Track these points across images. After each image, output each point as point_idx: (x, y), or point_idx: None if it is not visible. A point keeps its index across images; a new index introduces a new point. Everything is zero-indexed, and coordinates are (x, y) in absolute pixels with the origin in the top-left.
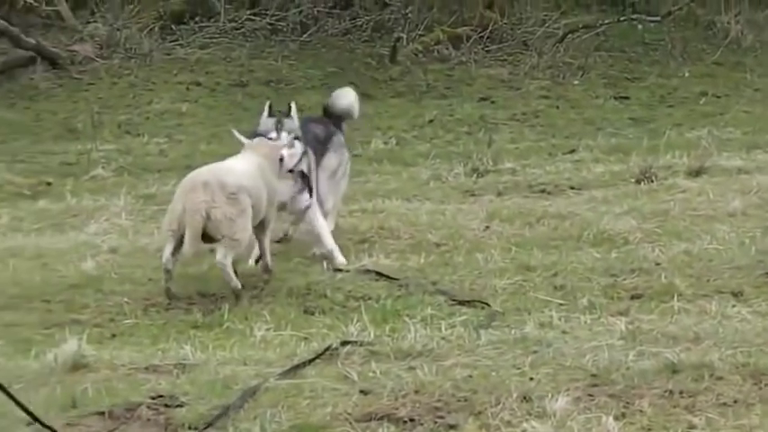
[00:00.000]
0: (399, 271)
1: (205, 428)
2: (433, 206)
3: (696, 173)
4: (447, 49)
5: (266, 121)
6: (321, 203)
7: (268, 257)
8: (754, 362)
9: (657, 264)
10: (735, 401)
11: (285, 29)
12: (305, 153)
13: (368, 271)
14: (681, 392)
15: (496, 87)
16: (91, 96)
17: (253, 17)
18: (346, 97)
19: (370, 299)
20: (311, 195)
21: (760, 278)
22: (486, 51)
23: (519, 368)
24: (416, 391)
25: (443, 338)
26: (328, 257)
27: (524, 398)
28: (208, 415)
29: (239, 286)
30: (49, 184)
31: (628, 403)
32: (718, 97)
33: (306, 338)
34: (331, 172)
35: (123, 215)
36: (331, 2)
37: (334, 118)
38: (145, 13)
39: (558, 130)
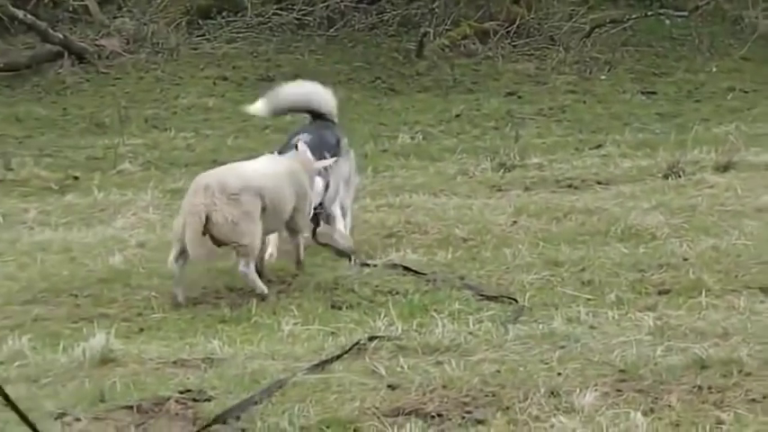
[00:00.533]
0: (427, 266)
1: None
2: (461, 201)
3: (724, 168)
4: (474, 43)
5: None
6: (344, 210)
7: (302, 255)
8: None
9: (685, 259)
10: (764, 397)
11: (312, 23)
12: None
13: (395, 266)
14: (709, 388)
15: (523, 82)
16: (118, 91)
17: (279, 12)
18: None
19: (397, 293)
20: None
21: None
22: (513, 46)
23: (547, 363)
24: (444, 386)
25: (471, 333)
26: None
27: (552, 393)
28: (237, 409)
29: (265, 291)
30: (76, 178)
31: (656, 399)
32: (746, 92)
33: (333, 333)
34: (345, 178)
35: (150, 209)
36: None
37: (327, 118)
38: (172, 7)
39: (584, 125)
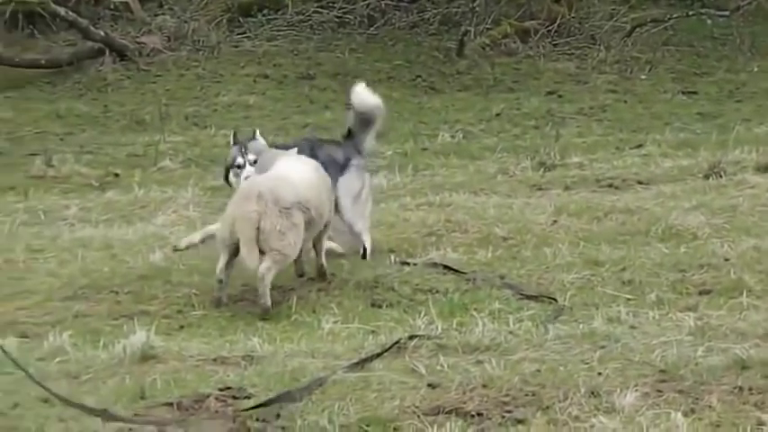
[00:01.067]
0: (467, 265)
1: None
2: (501, 200)
3: (765, 168)
4: (514, 42)
5: (232, 150)
6: (350, 227)
7: (324, 262)
8: None
9: (726, 259)
10: None
11: (352, 21)
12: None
13: (435, 264)
14: (750, 389)
15: (564, 81)
16: (159, 88)
17: (320, 9)
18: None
19: (437, 292)
20: None
21: None
22: (554, 45)
23: (587, 363)
24: (484, 386)
25: (511, 333)
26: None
27: (592, 393)
28: (276, 407)
29: (269, 304)
30: (116, 175)
31: (696, 399)
32: None
33: (373, 332)
34: (354, 195)
35: (191, 207)
36: None
37: (356, 132)
38: (213, 5)
39: (625, 124)
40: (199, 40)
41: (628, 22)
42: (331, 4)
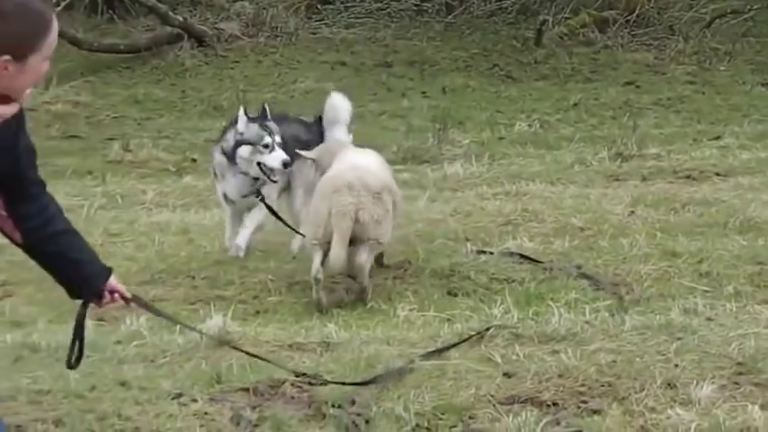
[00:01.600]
0: (543, 254)
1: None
2: (578, 190)
3: None
4: (593, 32)
5: (250, 127)
6: (296, 214)
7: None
8: None
9: None
10: None
11: (430, 10)
12: None
13: (512, 254)
14: None
15: (642, 72)
16: (236, 74)
17: None
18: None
19: (513, 282)
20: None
21: None
22: (632, 35)
23: (663, 354)
24: (560, 375)
25: (587, 323)
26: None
27: (669, 384)
28: (352, 393)
29: (369, 290)
30: (194, 160)
31: None
32: None
33: (449, 320)
34: (306, 187)
35: None
36: None
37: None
38: None
39: (703, 115)
40: (277, 27)
41: (707, 13)
42: None
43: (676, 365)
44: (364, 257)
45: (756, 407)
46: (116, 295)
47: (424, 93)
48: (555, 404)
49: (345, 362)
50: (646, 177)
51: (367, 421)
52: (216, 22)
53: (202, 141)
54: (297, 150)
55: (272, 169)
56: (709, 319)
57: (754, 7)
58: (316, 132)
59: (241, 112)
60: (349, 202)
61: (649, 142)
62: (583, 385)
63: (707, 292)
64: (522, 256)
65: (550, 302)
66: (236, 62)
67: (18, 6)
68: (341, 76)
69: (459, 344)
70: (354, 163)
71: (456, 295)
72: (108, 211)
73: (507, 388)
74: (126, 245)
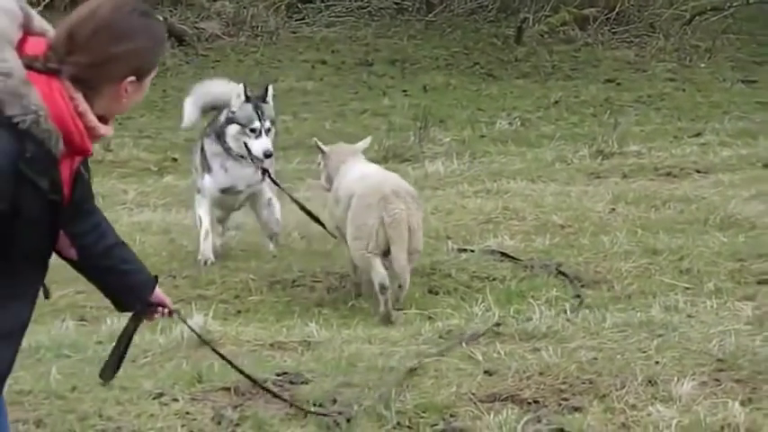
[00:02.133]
0: (524, 252)
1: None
2: (558, 188)
3: None
4: (573, 30)
5: (244, 107)
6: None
7: None
8: None
9: None
10: None
11: (411, 8)
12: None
13: (493, 251)
14: None
15: (622, 69)
16: (217, 74)
17: None
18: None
19: (494, 279)
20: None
21: None
22: (613, 33)
23: (644, 352)
24: (541, 373)
25: (568, 320)
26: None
27: (650, 381)
28: (333, 392)
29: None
30: (175, 160)
31: (754, 389)
32: None
33: (430, 318)
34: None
35: None
36: None
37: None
38: None
39: (683, 113)
40: (257, 26)
41: (687, 11)
42: None
43: (657, 362)
44: (406, 266)
45: (737, 403)
46: (165, 311)
47: (404, 91)
48: (536, 402)
49: (326, 361)
50: (626, 175)
51: (348, 420)
52: (196, 22)
53: (183, 141)
54: (314, 139)
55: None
56: (689, 315)
57: (734, 4)
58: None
59: (240, 88)
60: (401, 208)
61: (630, 140)
62: (564, 383)
63: (687, 288)
64: (502, 254)
65: (531, 300)
66: (217, 61)
67: (144, 24)
68: (322, 74)
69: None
70: (381, 171)
71: (437, 293)
72: None
73: (488, 386)
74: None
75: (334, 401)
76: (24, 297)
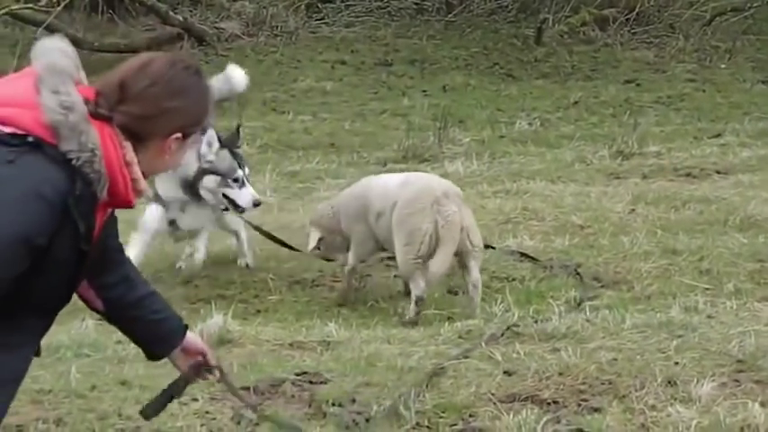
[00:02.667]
0: (543, 252)
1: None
2: (578, 188)
3: None
4: (593, 30)
5: (222, 156)
6: None
7: None
8: None
9: None
10: None
11: (431, 8)
12: None
13: (512, 252)
14: None
15: (642, 70)
16: None
17: None
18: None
19: (514, 280)
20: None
21: None
22: (633, 33)
23: (664, 352)
24: (560, 373)
25: (587, 321)
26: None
27: (669, 382)
28: (352, 392)
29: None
30: None
31: None
32: None
33: (449, 318)
34: None
35: (268, 192)
36: None
37: None
38: None
39: (703, 113)
40: (277, 26)
41: (707, 11)
42: None
43: (677, 363)
44: (477, 271)
45: (757, 404)
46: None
47: (424, 91)
48: (555, 402)
49: (346, 360)
50: (646, 175)
51: (367, 420)
52: (216, 22)
53: None
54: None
55: (238, 205)
56: (709, 316)
57: (755, 5)
58: None
59: (213, 134)
60: (454, 210)
61: (650, 140)
62: (583, 383)
63: (707, 289)
64: (522, 254)
65: (551, 300)
66: (237, 61)
67: (196, 82)
68: (341, 74)
69: (499, 337)
70: (419, 175)
71: (456, 294)
72: None
73: (508, 386)
74: (125, 244)
75: (354, 401)
76: (27, 347)
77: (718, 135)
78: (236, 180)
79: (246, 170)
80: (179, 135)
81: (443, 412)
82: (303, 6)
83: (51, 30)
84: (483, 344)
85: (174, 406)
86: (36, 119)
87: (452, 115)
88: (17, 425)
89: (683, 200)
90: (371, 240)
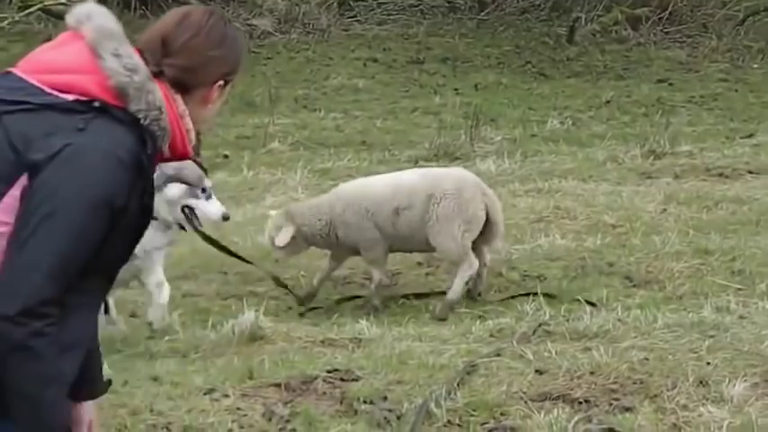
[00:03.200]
0: (575, 251)
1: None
2: (610, 187)
3: None
4: (625, 29)
5: (189, 163)
6: None
7: None
8: None
9: None
10: None
11: (463, 6)
12: None
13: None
14: None
15: (674, 69)
16: (269, 71)
17: None
18: None
19: (545, 279)
20: None
21: None
22: (665, 33)
23: (695, 352)
24: (592, 373)
25: (619, 320)
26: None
27: (701, 382)
28: (383, 389)
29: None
30: (226, 156)
31: None
32: None
33: (480, 316)
34: None
35: (299, 189)
36: None
37: None
38: None
39: (736, 113)
40: (309, 23)
41: (740, 11)
42: None
43: (708, 363)
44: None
45: None
46: None
47: (456, 89)
48: (587, 401)
49: (377, 358)
50: (678, 175)
51: (398, 417)
52: (248, 19)
53: (234, 137)
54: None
55: (198, 218)
56: (741, 317)
57: None
58: None
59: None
60: (493, 192)
61: (682, 140)
62: (615, 383)
63: (739, 290)
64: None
65: (582, 299)
66: (269, 58)
67: (232, 32)
68: (373, 72)
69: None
70: (429, 170)
71: (488, 292)
72: None
73: (539, 385)
74: None
75: (385, 399)
76: (96, 308)
77: (751, 135)
78: (203, 190)
79: (209, 182)
80: (221, 82)
81: (474, 410)
82: (335, 4)
83: None
84: (514, 342)
85: (205, 402)
86: (100, 83)
87: (484, 113)
88: None
89: (715, 200)
90: (381, 241)
